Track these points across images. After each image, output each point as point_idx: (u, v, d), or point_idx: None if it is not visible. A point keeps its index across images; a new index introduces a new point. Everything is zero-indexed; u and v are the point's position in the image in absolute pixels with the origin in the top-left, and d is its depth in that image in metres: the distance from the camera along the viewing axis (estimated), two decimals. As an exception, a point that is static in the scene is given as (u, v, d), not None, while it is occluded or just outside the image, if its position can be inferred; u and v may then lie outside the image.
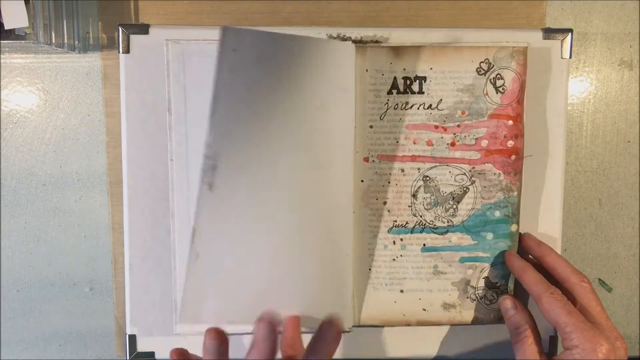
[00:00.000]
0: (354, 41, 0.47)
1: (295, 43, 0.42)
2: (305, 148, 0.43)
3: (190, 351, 0.46)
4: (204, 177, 0.41)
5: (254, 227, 0.43)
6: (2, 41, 0.49)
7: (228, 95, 0.41)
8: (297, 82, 0.42)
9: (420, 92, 0.46)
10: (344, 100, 0.44)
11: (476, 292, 0.47)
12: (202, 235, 0.43)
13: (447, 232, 0.47)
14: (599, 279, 0.58)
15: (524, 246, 0.48)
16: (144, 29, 0.47)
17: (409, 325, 0.48)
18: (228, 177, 0.42)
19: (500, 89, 0.46)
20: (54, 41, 0.50)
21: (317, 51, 0.43)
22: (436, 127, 0.46)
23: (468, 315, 0.48)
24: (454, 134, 0.46)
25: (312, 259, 0.45)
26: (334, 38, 0.47)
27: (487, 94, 0.46)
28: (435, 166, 0.47)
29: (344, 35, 0.47)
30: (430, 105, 0.46)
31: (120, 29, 0.46)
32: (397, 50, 0.46)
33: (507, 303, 0.45)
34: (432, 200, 0.47)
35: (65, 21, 0.51)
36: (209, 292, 0.44)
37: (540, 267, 0.46)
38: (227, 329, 0.44)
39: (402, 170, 0.47)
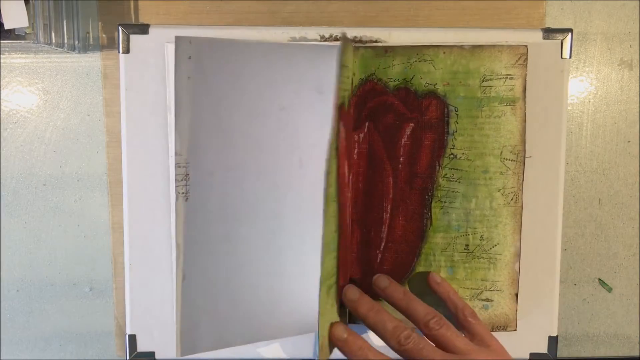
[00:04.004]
0: (354, 41, 0.47)
1: (252, 49, 0.43)
2: (271, 148, 0.44)
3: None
4: (177, 187, 0.41)
5: (233, 236, 0.44)
6: (2, 41, 0.49)
7: (189, 102, 0.41)
8: (257, 84, 0.43)
9: None
10: (317, 100, 0.44)
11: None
12: (185, 252, 0.42)
13: None
14: (599, 279, 0.58)
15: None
16: (144, 29, 0.47)
17: None
18: (200, 185, 0.42)
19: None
20: (54, 41, 0.50)
21: (278, 55, 0.43)
22: None
23: None
24: None
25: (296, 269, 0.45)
26: (329, 38, 0.47)
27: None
28: None
29: (337, 36, 0.47)
30: None
31: (120, 29, 0.46)
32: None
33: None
34: None
35: (65, 21, 0.51)
36: (202, 317, 0.43)
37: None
38: (226, 353, 0.44)
39: None
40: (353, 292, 0.43)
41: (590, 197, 0.57)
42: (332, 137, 0.37)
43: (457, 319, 0.44)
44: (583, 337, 0.58)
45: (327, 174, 0.37)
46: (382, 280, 0.45)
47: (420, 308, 0.42)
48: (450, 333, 0.41)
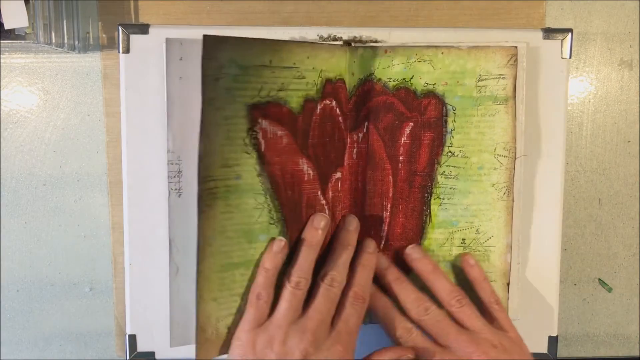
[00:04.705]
0: (353, 41, 0.47)
1: None
2: None
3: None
4: (170, 183, 0.43)
5: None
6: (2, 41, 0.49)
7: (181, 101, 0.43)
8: None
9: None
10: None
11: None
12: (178, 246, 0.44)
13: None
14: (599, 279, 0.58)
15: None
16: (144, 29, 0.47)
17: None
18: (193, 181, 0.43)
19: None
20: (54, 41, 0.50)
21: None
22: None
23: None
24: None
25: None
26: (326, 38, 0.47)
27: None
28: None
29: (335, 36, 0.47)
30: None
31: (120, 29, 0.46)
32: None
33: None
34: None
35: (65, 21, 0.51)
36: (194, 309, 0.44)
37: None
38: None
39: None
40: (383, 261, 0.46)
41: (590, 197, 0.57)
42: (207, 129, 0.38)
43: (483, 303, 0.45)
44: (583, 337, 0.58)
45: (211, 166, 0.40)
46: (416, 252, 0.46)
47: (447, 285, 0.44)
48: (470, 312, 0.43)
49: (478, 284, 0.46)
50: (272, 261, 0.42)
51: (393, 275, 0.45)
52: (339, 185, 0.46)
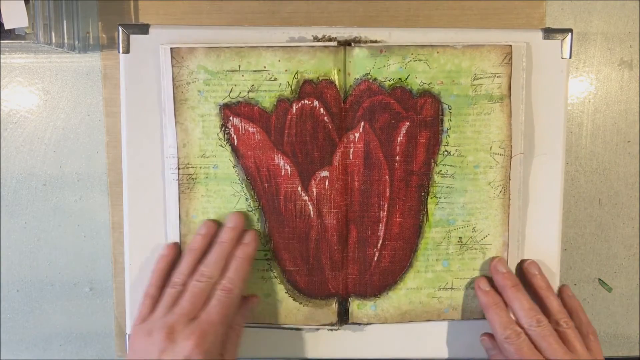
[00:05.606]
0: (353, 41, 0.47)
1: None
2: None
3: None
4: (171, 174, 0.47)
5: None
6: (2, 41, 0.49)
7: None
8: None
9: None
10: None
11: None
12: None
13: None
14: (599, 279, 0.58)
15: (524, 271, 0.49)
16: (144, 29, 0.47)
17: None
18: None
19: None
20: (54, 41, 0.50)
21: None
22: None
23: None
24: None
25: None
26: (321, 39, 0.47)
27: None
28: None
29: (330, 36, 0.47)
30: None
31: (120, 29, 0.46)
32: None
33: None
34: None
35: (65, 21, 0.51)
36: None
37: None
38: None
39: None
40: (503, 265, 0.47)
41: (590, 197, 0.57)
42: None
43: (580, 333, 0.46)
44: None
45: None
46: (534, 268, 0.48)
47: (557, 304, 0.46)
48: (575, 335, 0.45)
49: (576, 314, 0.48)
50: (157, 264, 0.46)
51: (510, 282, 0.46)
52: (326, 183, 0.46)
